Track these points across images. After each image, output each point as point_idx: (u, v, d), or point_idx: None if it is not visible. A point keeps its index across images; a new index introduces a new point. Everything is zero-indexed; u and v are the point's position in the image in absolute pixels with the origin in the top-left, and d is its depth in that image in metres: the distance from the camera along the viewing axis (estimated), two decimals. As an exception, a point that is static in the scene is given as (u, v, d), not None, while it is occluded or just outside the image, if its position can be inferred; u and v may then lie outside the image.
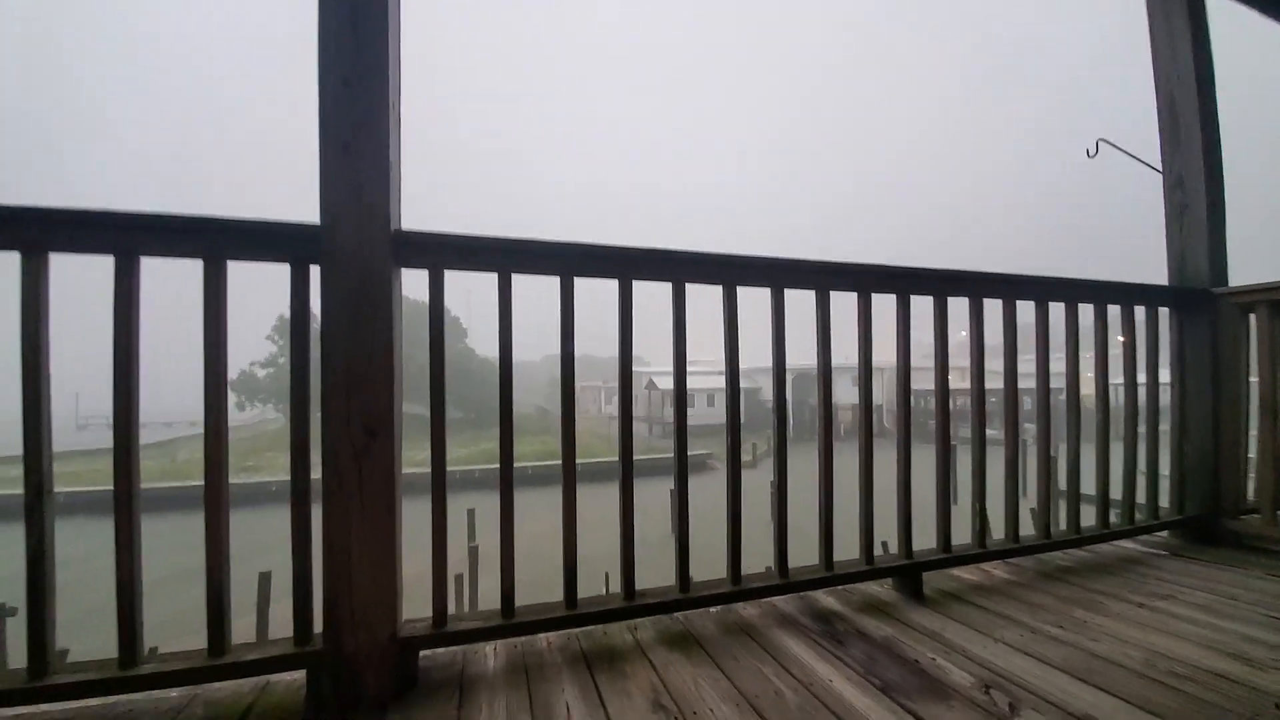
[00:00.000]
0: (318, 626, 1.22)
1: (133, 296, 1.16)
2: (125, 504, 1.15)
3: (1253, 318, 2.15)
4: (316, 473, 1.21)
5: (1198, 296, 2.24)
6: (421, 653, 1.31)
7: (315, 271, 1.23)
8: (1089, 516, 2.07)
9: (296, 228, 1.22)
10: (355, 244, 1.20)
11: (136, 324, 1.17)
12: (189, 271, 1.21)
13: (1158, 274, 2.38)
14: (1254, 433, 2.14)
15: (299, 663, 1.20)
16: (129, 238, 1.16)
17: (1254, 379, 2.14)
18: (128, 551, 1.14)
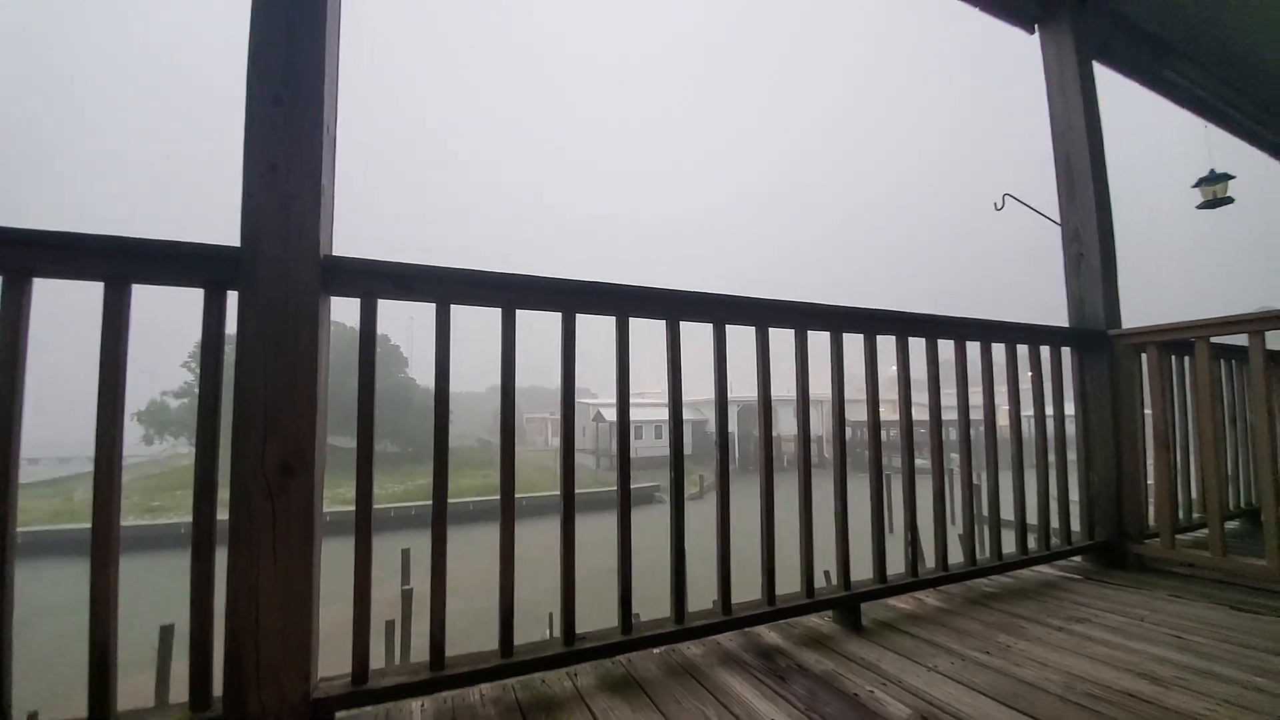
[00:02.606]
0: (219, 689, 1.10)
1: (20, 321, 1.05)
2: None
3: (1144, 357, 2.37)
4: (225, 514, 1.12)
5: (1095, 337, 2.45)
6: (338, 714, 1.20)
7: (234, 298, 1.16)
8: (1010, 543, 2.18)
9: (211, 249, 1.15)
10: (279, 269, 1.14)
11: (24, 351, 1.06)
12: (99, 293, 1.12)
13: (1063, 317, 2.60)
14: (1151, 462, 2.34)
15: (194, 731, 1.07)
16: (22, 256, 1.06)
17: (1148, 412, 2.35)
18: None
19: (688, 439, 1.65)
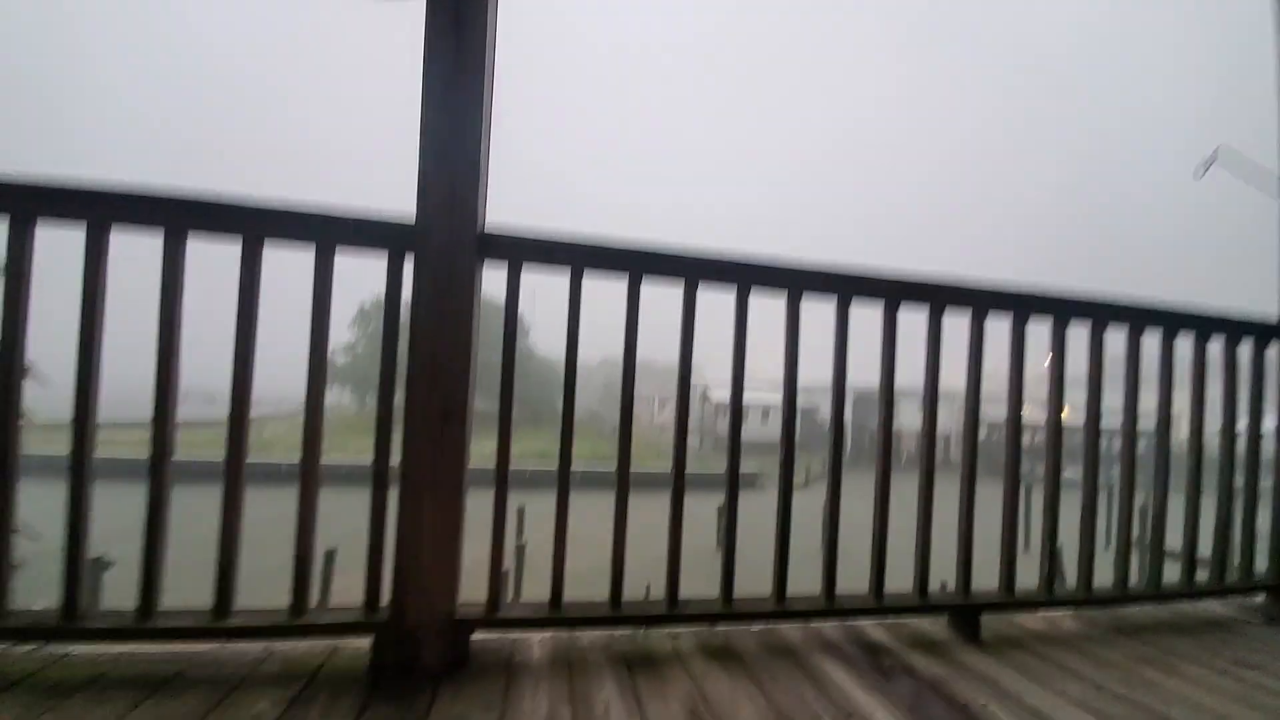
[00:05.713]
0: (384, 600, 1.32)
1: (255, 279, 1.31)
2: (234, 469, 1.28)
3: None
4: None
5: (1312, 336, 2.01)
6: (473, 635, 1.38)
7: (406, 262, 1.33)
8: (1171, 573, 1.90)
9: (396, 223, 1.34)
10: (446, 240, 1.31)
11: (256, 306, 1.31)
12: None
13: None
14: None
15: (367, 629, 1.30)
16: (257, 224, 1.30)
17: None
18: (232, 511, 1.28)
19: (797, 420, 1.62)
